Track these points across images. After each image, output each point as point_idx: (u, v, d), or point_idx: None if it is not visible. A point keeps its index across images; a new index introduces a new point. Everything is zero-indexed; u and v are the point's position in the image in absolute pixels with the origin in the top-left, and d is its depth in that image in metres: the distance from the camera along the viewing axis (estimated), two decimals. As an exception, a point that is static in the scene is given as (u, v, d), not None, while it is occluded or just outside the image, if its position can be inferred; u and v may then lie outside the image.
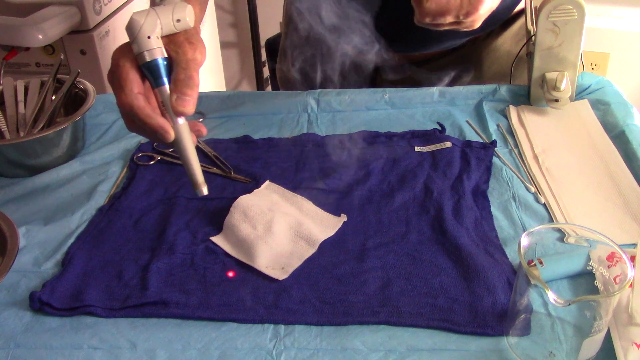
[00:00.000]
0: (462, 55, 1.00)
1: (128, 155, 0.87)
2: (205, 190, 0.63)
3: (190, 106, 0.59)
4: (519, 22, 1.01)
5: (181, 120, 0.61)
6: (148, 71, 0.60)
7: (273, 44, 1.27)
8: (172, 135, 0.59)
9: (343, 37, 1.01)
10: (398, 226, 0.71)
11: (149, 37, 0.59)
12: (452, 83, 1.00)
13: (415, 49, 0.97)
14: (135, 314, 0.62)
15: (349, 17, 0.94)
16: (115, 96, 0.60)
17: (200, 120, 0.95)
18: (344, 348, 0.57)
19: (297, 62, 1.14)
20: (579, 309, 0.56)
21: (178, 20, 0.61)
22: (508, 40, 1.01)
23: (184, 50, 0.60)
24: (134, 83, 0.59)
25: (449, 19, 0.69)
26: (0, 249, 0.66)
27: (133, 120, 0.61)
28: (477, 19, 0.70)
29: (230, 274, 0.65)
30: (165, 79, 0.60)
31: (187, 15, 0.61)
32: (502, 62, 1.02)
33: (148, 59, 0.59)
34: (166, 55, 0.60)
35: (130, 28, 0.60)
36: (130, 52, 0.61)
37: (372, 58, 1.02)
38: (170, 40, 0.61)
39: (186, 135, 0.61)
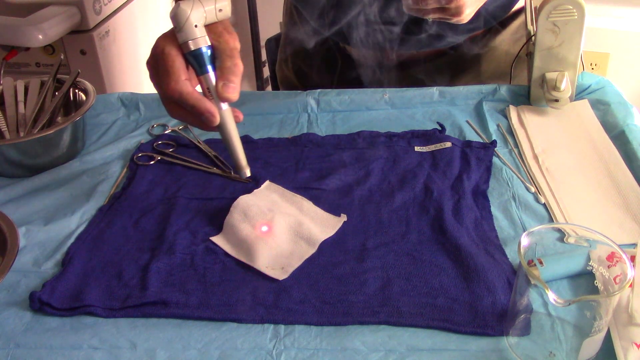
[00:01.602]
0: (460, 55, 1.00)
1: (128, 155, 0.87)
2: (248, 172, 0.67)
3: (236, 92, 0.63)
4: (517, 21, 1.01)
5: (225, 106, 0.64)
6: (194, 59, 0.62)
7: (273, 44, 1.27)
8: (218, 119, 0.63)
9: (343, 36, 1.01)
10: (398, 226, 0.71)
11: (195, 26, 0.61)
12: (450, 82, 1.00)
13: (413, 47, 0.97)
14: (135, 314, 0.62)
15: (349, 16, 0.94)
16: (160, 84, 0.63)
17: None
18: (344, 348, 0.57)
19: (297, 62, 1.14)
20: (579, 309, 0.56)
21: (220, 10, 0.63)
22: (506, 40, 1.01)
23: (226, 39, 0.63)
24: (181, 70, 0.62)
25: (431, 2, 0.69)
26: (0, 249, 0.66)
27: (179, 107, 0.63)
28: (463, 6, 0.70)
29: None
30: (209, 67, 0.63)
31: (228, 5, 0.64)
32: (500, 62, 1.02)
33: (193, 47, 0.62)
34: (209, 44, 0.63)
35: (177, 17, 0.61)
36: (175, 41, 0.63)
37: (372, 57, 1.02)
38: (209, 29, 0.63)
39: (230, 119, 0.65)
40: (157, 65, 0.63)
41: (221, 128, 0.65)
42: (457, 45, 0.98)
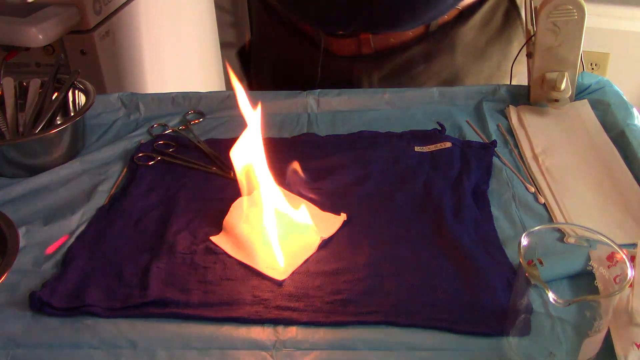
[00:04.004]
0: (433, 42, 0.99)
1: (128, 155, 0.87)
2: None
3: None
4: (487, 5, 1.00)
5: None
6: None
7: (245, 53, 1.23)
8: None
9: (318, 21, 1.00)
10: (398, 226, 0.71)
11: None
12: (426, 71, 1.00)
13: (387, 26, 0.96)
14: (135, 314, 0.62)
15: (311, 9, 0.93)
16: None
17: (200, 120, 0.95)
18: (344, 348, 0.57)
19: (276, 66, 1.12)
20: (579, 309, 0.56)
21: None
22: (477, 24, 1.01)
23: None
24: None
25: None
26: (0, 249, 0.66)
27: None
28: None
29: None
30: None
31: None
32: (472, 47, 1.02)
33: None
34: None
35: None
36: None
37: (349, 46, 1.01)
38: None
39: None
40: None
41: None
42: (429, 33, 0.98)
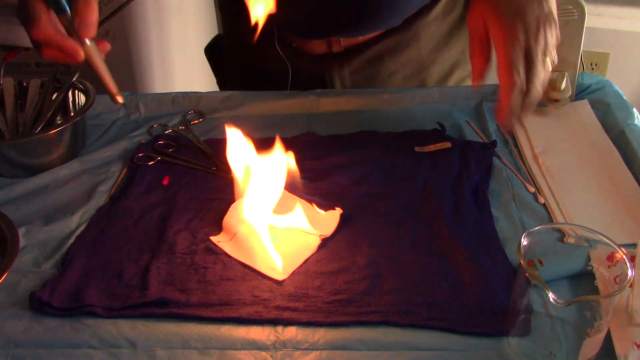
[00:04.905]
0: (395, 40, 1.00)
1: (128, 155, 0.87)
2: (120, 99, 0.74)
3: (92, 29, 0.69)
4: (443, 1, 1.02)
5: (88, 42, 0.70)
6: (53, 2, 0.68)
7: (214, 49, 1.21)
8: (82, 55, 0.69)
9: (287, 25, 1.00)
10: (398, 226, 0.71)
11: None
12: (395, 62, 1.01)
13: (355, 27, 0.97)
14: (135, 314, 0.62)
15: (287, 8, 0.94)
16: (28, 29, 0.69)
17: (200, 120, 0.95)
18: (343, 348, 0.57)
19: (241, 67, 1.12)
20: (579, 309, 0.56)
21: None
22: (439, 13, 1.01)
23: None
24: (43, 14, 0.68)
25: None
26: (0, 249, 0.66)
27: (48, 48, 0.70)
28: None
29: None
30: (67, 7, 0.68)
31: None
32: (433, 42, 1.02)
33: None
34: None
35: None
36: None
37: (319, 46, 1.01)
38: None
39: (94, 52, 0.71)
40: (23, 12, 0.69)
41: (88, 62, 0.71)
42: (395, 27, 0.99)
